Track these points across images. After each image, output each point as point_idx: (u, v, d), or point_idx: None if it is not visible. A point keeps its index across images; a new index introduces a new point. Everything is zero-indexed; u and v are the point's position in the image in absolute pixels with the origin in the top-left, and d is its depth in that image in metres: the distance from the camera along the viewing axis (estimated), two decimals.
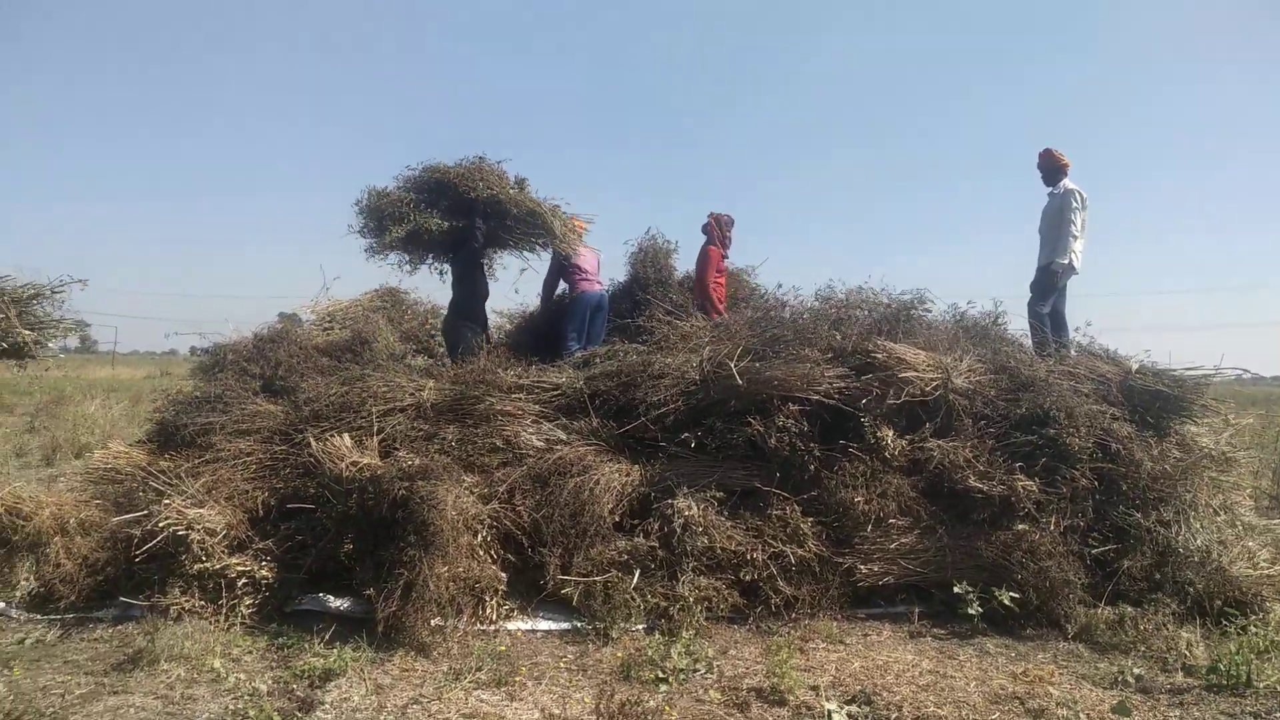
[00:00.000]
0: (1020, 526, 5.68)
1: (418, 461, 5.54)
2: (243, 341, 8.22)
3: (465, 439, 6.11)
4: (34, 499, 5.87)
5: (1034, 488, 5.78)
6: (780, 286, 8.65)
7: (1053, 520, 5.71)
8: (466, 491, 5.47)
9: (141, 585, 5.30)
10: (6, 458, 10.85)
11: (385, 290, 9.71)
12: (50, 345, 7.14)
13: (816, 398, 6.11)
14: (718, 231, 8.99)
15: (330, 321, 8.87)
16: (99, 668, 4.58)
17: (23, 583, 5.49)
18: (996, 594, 5.35)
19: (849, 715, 3.94)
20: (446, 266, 8.57)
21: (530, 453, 6.10)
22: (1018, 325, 8.13)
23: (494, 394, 6.45)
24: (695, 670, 4.56)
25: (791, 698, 4.21)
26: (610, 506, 5.68)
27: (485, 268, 8.62)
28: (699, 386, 6.35)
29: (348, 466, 5.54)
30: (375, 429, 6.04)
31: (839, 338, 6.74)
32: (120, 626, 5.16)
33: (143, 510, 5.52)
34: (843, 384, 6.21)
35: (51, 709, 4.04)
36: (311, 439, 5.91)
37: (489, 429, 6.22)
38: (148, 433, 7.39)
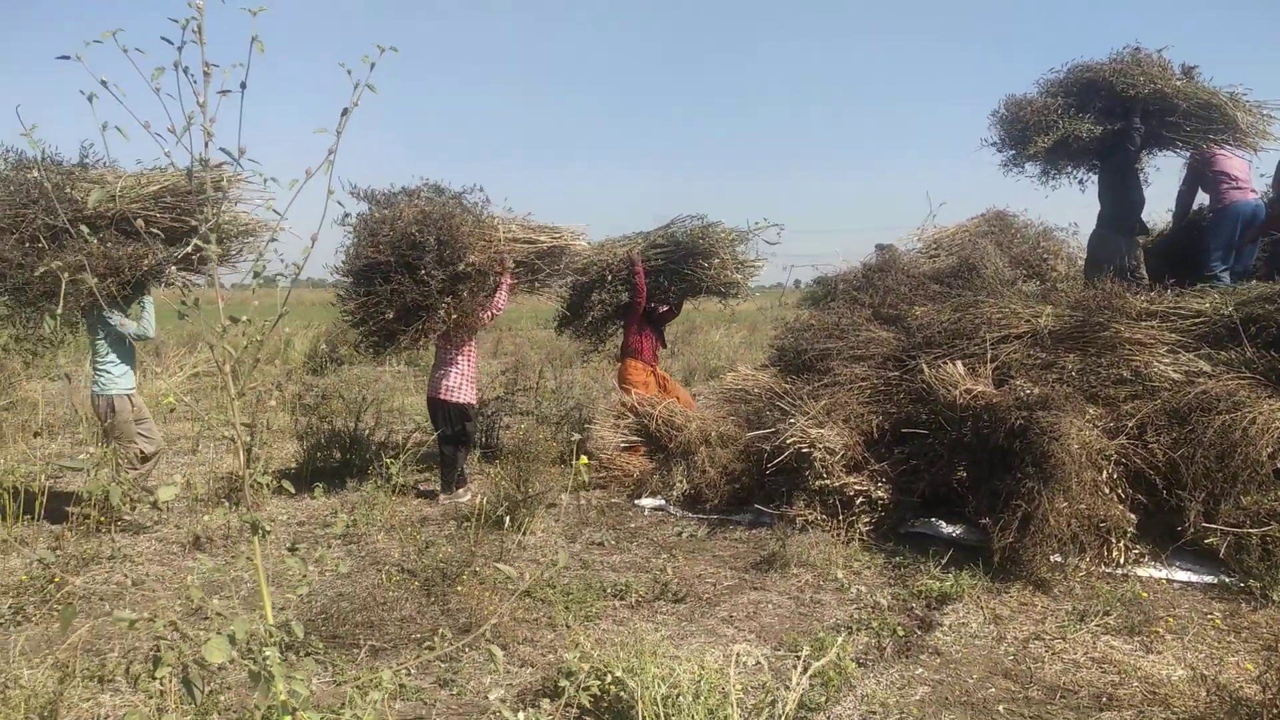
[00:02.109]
0: None
1: (1037, 391, 5.27)
2: (852, 272, 8.54)
3: (1087, 369, 5.68)
4: (683, 414, 6.82)
5: None
6: None
7: None
8: (1090, 424, 5.10)
9: (771, 495, 5.89)
10: None
11: (993, 214, 9.31)
12: (750, 284, 8.07)
13: None
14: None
15: (936, 248, 8.81)
16: (740, 564, 5.18)
17: (678, 484, 6.41)
18: None
19: None
20: (1088, 175, 7.94)
21: (1165, 385, 5.46)
22: None
23: (1121, 321, 5.86)
24: None
25: None
26: (1269, 450, 4.86)
27: (1139, 173, 7.81)
28: None
29: (961, 394, 5.47)
30: (989, 356, 5.87)
31: None
32: (754, 530, 5.80)
33: (770, 428, 6.09)
34: None
35: (707, 594, 4.67)
36: (924, 365, 5.95)
37: (1114, 358, 5.70)
38: (769, 357, 8.07)
